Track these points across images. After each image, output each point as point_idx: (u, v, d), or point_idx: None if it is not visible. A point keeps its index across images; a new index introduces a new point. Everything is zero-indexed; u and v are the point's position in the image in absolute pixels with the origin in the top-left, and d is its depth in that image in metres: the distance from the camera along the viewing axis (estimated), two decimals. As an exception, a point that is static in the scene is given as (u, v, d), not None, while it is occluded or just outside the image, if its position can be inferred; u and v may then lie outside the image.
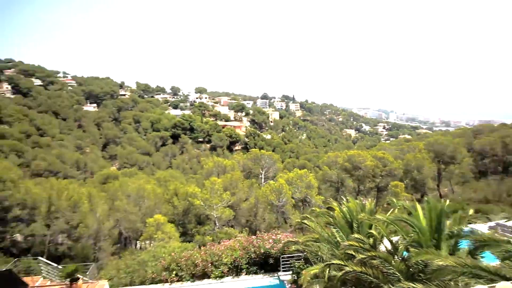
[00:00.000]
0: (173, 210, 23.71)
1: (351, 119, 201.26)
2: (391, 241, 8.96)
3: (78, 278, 10.51)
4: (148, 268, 11.66)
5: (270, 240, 12.08)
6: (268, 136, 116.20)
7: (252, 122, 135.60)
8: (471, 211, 9.72)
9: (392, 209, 11.41)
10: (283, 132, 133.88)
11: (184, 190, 24.18)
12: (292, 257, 11.48)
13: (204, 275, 11.50)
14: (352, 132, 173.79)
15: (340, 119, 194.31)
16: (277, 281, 11.24)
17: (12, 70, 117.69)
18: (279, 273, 11.48)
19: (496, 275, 6.05)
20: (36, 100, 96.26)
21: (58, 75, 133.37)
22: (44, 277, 11.49)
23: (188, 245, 14.33)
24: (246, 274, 11.61)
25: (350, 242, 8.74)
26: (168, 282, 11.17)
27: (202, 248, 12.72)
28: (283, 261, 11.53)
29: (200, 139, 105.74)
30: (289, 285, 10.80)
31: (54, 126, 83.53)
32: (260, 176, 31.49)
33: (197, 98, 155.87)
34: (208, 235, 19.35)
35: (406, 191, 29.01)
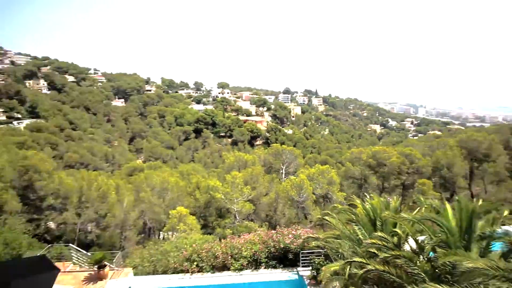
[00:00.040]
0: (195, 203, 24.24)
1: (377, 114, 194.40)
2: (416, 241, 8.57)
3: (105, 265, 11.04)
4: (171, 258, 11.99)
5: (290, 235, 12.00)
6: (290, 131, 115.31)
7: (274, 117, 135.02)
8: (506, 212, 9.05)
9: (418, 208, 10.92)
10: (305, 127, 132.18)
11: (206, 184, 24.62)
12: (312, 253, 11.34)
13: (224, 267, 11.67)
14: (377, 128, 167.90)
15: (365, 114, 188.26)
16: (296, 276, 11.17)
17: (48, 67, 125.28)
18: (298, 269, 11.40)
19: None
20: (69, 96, 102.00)
21: (89, 71, 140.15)
22: (74, 263, 12.20)
23: (209, 237, 14.59)
24: (265, 268, 11.64)
25: (373, 240, 8.46)
26: (189, 272, 11.44)
27: (222, 240, 12.90)
28: (302, 256, 11.42)
29: (222, 134, 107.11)
30: (308, 280, 10.69)
31: (86, 120, 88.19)
32: (281, 171, 31.34)
33: (219, 93, 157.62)
34: (229, 228, 19.60)
35: (434, 190, 27.64)
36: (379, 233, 8.77)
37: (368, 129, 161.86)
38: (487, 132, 40.24)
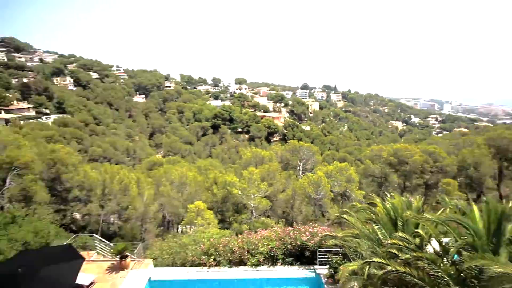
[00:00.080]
0: (212, 198, 24.58)
1: (399, 110, 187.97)
2: (440, 243, 8.25)
3: (127, 256, 11.45)
4: (189, 251, 12.23)
5: (307, 233, 11.90)
6: (307, 128, 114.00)
7: (291, 113, 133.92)
8: (538, 215, 8.49)
9: (442, 209, 10.48)
10: (323, 124, 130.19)
11: (223, 179, 24.88)
12: (330, 251, 11.20)
13: (241, 262, 11.77)
14: (399, 125, 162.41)
15: (386, 110, 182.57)
16: (313, 274, 11.09)
17: (74, 64, 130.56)
18: (315, 266, 11.30)
19: None
20: (94, 92, 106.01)
21: (112, 68, 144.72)
22: (98, 253, 12.74)
23: (226, 232, 14.76)
24: (281, 264, 11.63)
25: (394, 241, 8.22)
26: (206, 265, 11.64)
27: (239, 236, 13.00)
28: (320, 254, 11.30)
29: (239, 130, 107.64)
30: (326, 279, 10.59)
31: (108, 116, 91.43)
32: (298, 168, 31.10)
33: (237, 89, 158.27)
34: (245, 224, 19.74)
35: (459, 190, 26.44)
36: (400, 234, 8.51)
37: (389, 126, 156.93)
38: (518, 130, 37.89)
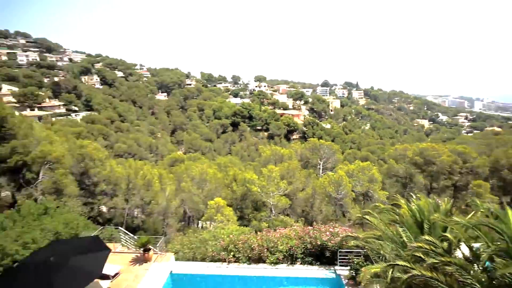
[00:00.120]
0: (232, 195, 24.82)
1: (425, 108, 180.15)
2: (470, 248, 7.82)
3: (150, 249, 11.81)
4: (209, 246, 12.42)
5: (327, 233, 11.69)
6: (328, 126, 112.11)
7: (311, 110, 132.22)
8: None
9: (473, 212, 9.93)
10: (344, 122, 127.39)
11: (243, 176, 25.04)
12: (351, 252, 10.95)
13: (260, 260, 11.79)
14: (426, 123, 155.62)
15: (412, 108, 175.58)
16: (333, 275, 10.90)
17: (100, 64, 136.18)
18: (336, 267, 11.10)
19: None
20: (119, 90, 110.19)
21: (136, 67, 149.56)
22: (123, 245, 13.24)
23: (245, 229, 14.83)
24: (301, 263, 11.53)
25: (420, 244, 7.89)
26: (226, 261, 11.77)
27: (258, 233, 13.02)
28: (340, 255, 11.08)
29: (258, 127, 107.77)
30: (346, 280, 10.37)
31: (132, 113, 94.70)
32: (318, 166, 30.69)
33: (256, 86, 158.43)
34: (264, 222, 19.77)
35: (491, 193, 24.96)
36: (427, 237, 8.16)
37: (415, 125, 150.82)
38: (560, 129, 35.06)
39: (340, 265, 11.08)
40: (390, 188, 27.54)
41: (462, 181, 27.31)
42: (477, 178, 26.20)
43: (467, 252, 7.85)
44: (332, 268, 11.18)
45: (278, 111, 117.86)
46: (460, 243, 8.23)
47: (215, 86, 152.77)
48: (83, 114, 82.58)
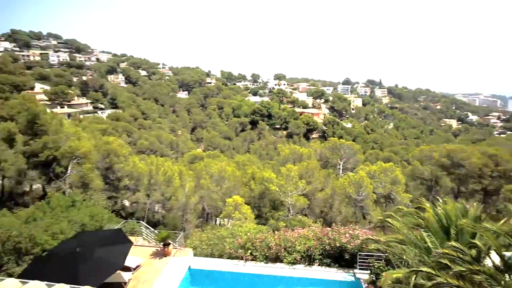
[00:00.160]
0: (250, 193, 24.90)
1: (453, 107, 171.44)
2: (502, 256, 7.34)
3: (170, 244, 12.08)
4: (226, 243, 12.52)
5: (347, 235, 11.43)
6: (349, 125, 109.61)
7: (332, 109, 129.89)
8: None
9: (505, 218, 9.36)
10: (366, 121, 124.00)
11: (261, 175, 25.05)
12: (371, 256, 10.63)
13: (277, 259, 11.73)
14: (454, 123, 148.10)
15: (439, 107, 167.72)
16: (352, 278, 10.64)
17: (125, 63, 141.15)
18: (355, 270, 10.82)
19: None
20: (142, 89, 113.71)
21: (158, 66, 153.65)
22: (144, 238, 13.66)
23: (263, 228, 14.81)
24: (319, 265, 11.35)
25: (446, 250, 7.53)
26: (243, 259, 11.82)
27: (276, 232, 12.96)
28: (360, 258, 10.79)
29: (277, 126, 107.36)
30: (366, 284, 10.08)
31: (155, 111, 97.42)
32: (338, 166, 30.10)
33: (275, 84, 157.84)
34: (282, 221, 19.66)
35: (526, 198, 23.34)
36: (454, 243, 7.76)
37: (442, 125, 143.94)
38: None
39: (360, 269, 10.79)
40: (414, 191, 26.44)
41: (493, 186, 25.70)
42: (510, 182, 24.57)
43: (497, 261, 7.39)
44: (351, 271, 10.91)
45: (298, 110, 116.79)
46: (490, 251, 7.80)
47: (234, 84, 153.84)
48: (108, 111, 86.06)
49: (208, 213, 26.97)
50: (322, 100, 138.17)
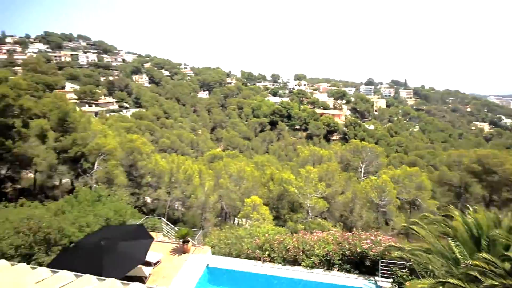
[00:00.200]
0: (268, 194, 24.82)
1: (485, 110, 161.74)
2: (540, 272, 6.80)
3: (189, 241, 12.26)
4: (244, 243, 12.51)
5: (368, 241, 11.06)
6: (371, 127, 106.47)
7: (353, 110, 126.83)
8: None
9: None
10: (390, 123, 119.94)
11: (280, 176, 24.90)
12: (394, 264, 10.21)
13: (295, 262, 11.57)
14: (485, 126, 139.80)
15: (469, 110, 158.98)
16: (373, 286, 10.28)
17: (149, 63, 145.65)
18: (377, 278, 10.45)
19: None
20: (164, 88, 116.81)
21: (180, 66, 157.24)
22: (164, 235, 13.97)
23: (281, 230, 14.70)
24: (338, 270, 11.07)
25: (476, 262, 7.10)
26: (260, 260, 11.76)
27: (294, 235, 12.80)
28: (382, 266, 10.41)
29: (297, 127, 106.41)
30: (388, 293, 9.72)
31: (176, 110, 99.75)
32: (360, 169, 29.28)
33: (296, 85, 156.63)
34: (300, 223, 19.43)
35: None
36: (485, 255, 7.30)
37: (472, 128, 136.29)
38: None
39: (382, 276, 10.41)
40: (441, 198, 25.19)
41: (529, 195, 24.02)
42: (549, 191, 22.86)
43: (535, 276, 6.85)
44: (372, 279, 10.55)
45: (318, 111, 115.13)
46: (527, 266, 7.22)
47: (254, 84, 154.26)
48: (132, 110, 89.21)
49: (227, 213, 27.17)
50: (344, 101, 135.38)
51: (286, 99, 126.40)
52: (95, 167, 21.68)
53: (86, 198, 14.17)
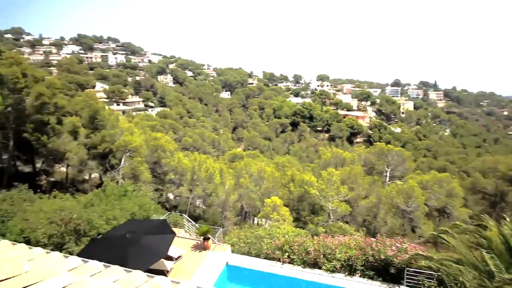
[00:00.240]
0: (289, 195, 24.60)
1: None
2: None
3: (209, 238, 12.40)
4: (264, 244, 12.46)
5: (393, 247, 10.60)
6: (398, 130, 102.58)
7: (379, 112, 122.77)
8: None
9: None
10: (418, 126, 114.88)
11: (300, 177, 24.61)
12: (421, 273, 9.72)
13: (315, 265, 11.34)
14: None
15: (506, 113, 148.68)
16: (397, 294, 9.86)
17: (174, 64, 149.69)
18: (402, 287, 10.01)
19: None
20: (188, 88, 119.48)
21: (203, 67, 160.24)
22: (185, 231, 14.25)
23: (302, 232, 14.51)
24: (360, 276, 10.71)
25: (514, 276, 6.58)
26: (280, 261, 11.65)
27: (315, 237, 12.57)
28: (407, 274, 9.94)
29: (319, 128, 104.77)
30: (414, 303, 9.26)
31: (199, 110, 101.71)
32: (385, 174, 28.24)
33: (318, 85, 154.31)
34: (321, 226, 19.06)
35: None
36: (525, 269, 6.75)
37: (510, 133, 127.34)
38: None
39: (407, 285, 9.95)
40: (474, 206, 23.67)
41: None
42: None
43: None
44: (396, 287, 10.12)
45: (341, 112, 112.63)
46: None
47: (276, 85, 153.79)
48: (157, 109, 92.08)
49: (246, 212, 27.25)
50: (368, 103, 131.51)
51: (308, 100, 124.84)
52: (122, 163, 22.54)
53: (113, 193, 14.74)
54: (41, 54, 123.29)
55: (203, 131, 72.71)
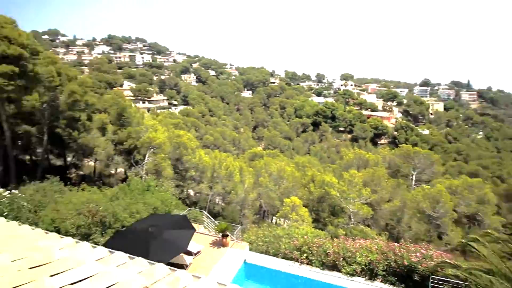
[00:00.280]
0: (308, 196, 24.29)
1: None
2: None
3: (228, 235, 12.54)
4: (282, 243, 12.39)
5: (418, 254, 10.15)
6: (426, 131, 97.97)
7: (405, 113, 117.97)
8: None
9: None
10: (448, 128, 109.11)
11: (321, 178, 24.21)
12: (447, 282, 9.22)
13: (334, 267, 11.11)
14: None
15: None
16: (421, 303, 9.43)
17: (197, 63, 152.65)
18: (426, 295, 9.56)
19: None
20: (210, 87, 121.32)
21: (226, 66, 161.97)
22: (205, 227, 14.49)
23: (321, 233, 14.25)
24: (381, 281, 10.35)
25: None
26: (298, 262, 11.53)
27: (334, 239, 12.31)
28: (433, 282, 9.47)
29: (341, 129, 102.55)
30: (439, 313, 8.81)
31: (220, 108, 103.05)
32: (410, 177, 27.08)
33: (341, 85, 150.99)
34: (341, 229, 18.63)
35: None
36: None
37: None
38: None
39: (432, 294, 9.48)
40: (508, 214, 22.15)
41: None
42: None
43: None
44: (420, 295, 9.68)
45: (365, 112, 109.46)
46: None
47: (298, 84, 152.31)
48: (180, 107, 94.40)
49: (265, 211, 27.25)
50: (395, 103, 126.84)
51: (330, 100, 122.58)
52: (146, 159, 23.34)
53: (137, 187, 15.28)
54: (75, 54, 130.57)
55: (224, 130, 73.61)
